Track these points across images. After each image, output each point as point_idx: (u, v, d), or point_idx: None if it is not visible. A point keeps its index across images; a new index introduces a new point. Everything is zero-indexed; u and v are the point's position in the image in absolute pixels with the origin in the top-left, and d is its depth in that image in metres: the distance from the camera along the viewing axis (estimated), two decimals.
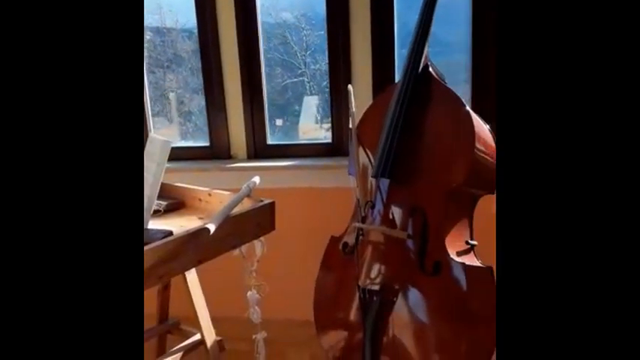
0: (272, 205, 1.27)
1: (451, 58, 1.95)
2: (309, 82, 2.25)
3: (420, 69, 1.43)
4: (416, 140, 1.39)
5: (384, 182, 1.43)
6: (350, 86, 1.58)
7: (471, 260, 1.34)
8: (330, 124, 2.09)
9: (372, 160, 1.48)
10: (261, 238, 1.32)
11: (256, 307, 1.37)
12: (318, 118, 2.33)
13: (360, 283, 1.40)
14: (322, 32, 2.02)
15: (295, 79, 2.24)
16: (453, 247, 1.33)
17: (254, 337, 1.41)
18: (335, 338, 1.49)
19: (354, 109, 1.55)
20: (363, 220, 1.43)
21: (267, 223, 1.26)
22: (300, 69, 2.21)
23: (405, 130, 1.39)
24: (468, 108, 1.34)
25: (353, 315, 1.43)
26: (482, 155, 1.33)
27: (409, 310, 1.34)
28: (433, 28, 1.45)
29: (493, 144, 1.37)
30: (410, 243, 1.35)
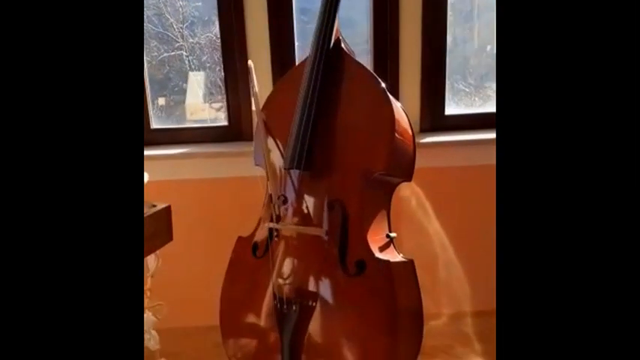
0: (167, 210, 1.04)
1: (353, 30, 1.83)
2: (187, 57, 2.01)
3: (331, 44, 1.27)
4: (331, 125, 1.24)
5: (297, 174, 1.26)
6: (251, 62, 1.37)
7: (393, 255, 1.24)
8: (221, 104, 1.86)
9: (282, 150, 1.30)
10: (157, 252, 1.08)
11: (152, 332, 1.13)
12: (207, 96, 2.10)
13: (275, 291, 1.23)
14: (199, 3, 1.79)
15: (173, 53, 1.99)
16: (375, 242, 1.22)
17: None
18: (245, 352, 1.31)
19: (256, 89, 1.34)
20: (277, 218, 1.25)
21: (162, 233, 1.02)
22: (178, 42, 1.97)
23: (318, 115, 1.23)
24: (383, 86, 1.22)
25: (267, 326, 1.26)
26: (401, 139, 1.22)
27: (331, 315, 1.20)
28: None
29: (409, 125, 1.27)
30: (329, 241, 1.21)
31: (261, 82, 1.45)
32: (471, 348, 1.77)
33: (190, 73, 2.29)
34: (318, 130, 1.23)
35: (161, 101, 2.07)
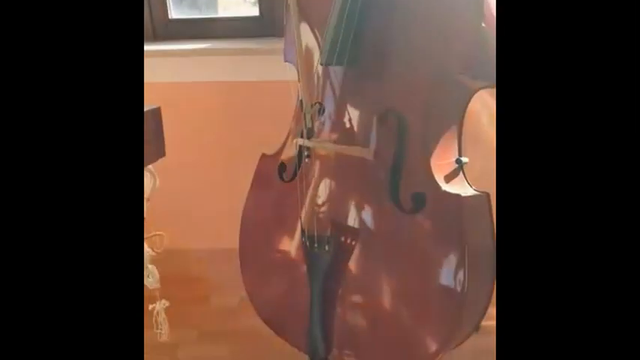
0: (155, 114, 0.75)
1: None
2: None
3: None
4: (390, 8, 0.89)
5: (340, 73, 0.93)
6: None
7: (463, 187, 0.93)
8: None
9: (320, 40, 0.96)
10: (150, 167, 0.82)
11: (150, 267, 0.91)
12: None
13: (304, 226, 0.96)
14: None
15: None
16: (440, 169, 0.91)
17: (150, 307, 0.97)
18: (267, 297, 1.08)
19: None
20: (309, 133, 0.95)
21: (149, 144, 0.75)
22: None
23: None
24: None
25: (295, 270, 1.01)
26: (489, 29, 0.86)
27: (377, 259, 0.93)
28: None
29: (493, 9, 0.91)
30: (378, 165, 0.90)
31: None
32: None
33: None
34: (372, 11, 0.88)
35: None
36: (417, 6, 0.88)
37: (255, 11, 1.52)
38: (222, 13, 1.74)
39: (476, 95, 1.02)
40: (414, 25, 0.89)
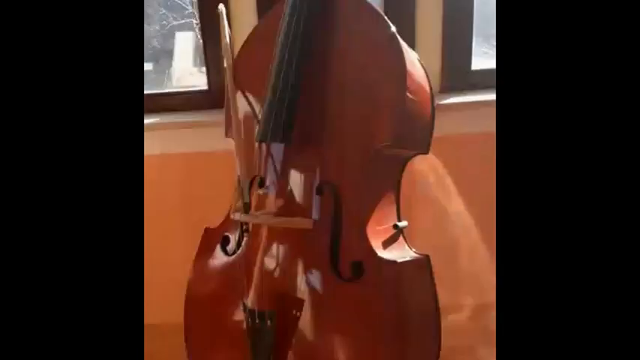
0: None
1: None
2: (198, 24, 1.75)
3: None
4: (321, 82, 0.94)
5: (278, 146, 0.96)
6: (221, 7, 1.06)
7: (402, 251, 0.95)
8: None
9: (258, 116, 1.00)
10: None
11: None
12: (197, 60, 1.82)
13: (245, 301, 0.95)
14: None
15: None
16: (378, 235, 0.93)
17: None
18: None
19: (228, 40, 1.05)
20: (246, 208, 0.96)
21: None
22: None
23: (304, 68, 0.93)
24: (393, 30, 0.90)
25: (239, 344, 0.98)
26: (415, 99, 0.92)
27: (320, 329, 0.93)
28: None
29: (427, 81, 0.97)
30: (317, 236, 0.92)
31: (243, 31, 1.14)
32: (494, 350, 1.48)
33: (177, 34, 2.00)
34: (304, 88, 0.93)
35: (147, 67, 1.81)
36: (346, 82, 0.94)
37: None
38: (175, 84, 1.80)
39: (421, 157, 1.06)
40: (344, 99, 0.93)
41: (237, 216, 0.96)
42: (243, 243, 1.00)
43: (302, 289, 0.93)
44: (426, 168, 1.50)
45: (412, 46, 1.38)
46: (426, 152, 1.00)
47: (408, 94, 0.90)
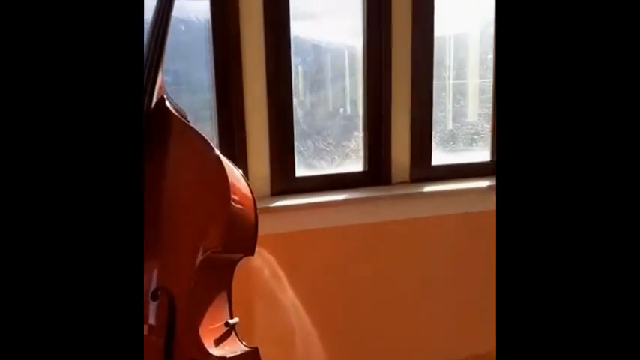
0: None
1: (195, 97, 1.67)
2: None
3: (153, 102, 1.09)
4: (153, 198, 1.05)
5: None
6: None
7: (233, 346, 1.06)
8: None
9: None
10: None
11: None
12: None
13: None
14: None
15: None
16: (210, 334, 1.03)
17: None
18: None
19: None
20: None
21: None
22: None
23: None
24: (217, 152, 1.07)
25: None
26: (240, 208, 1.08)
27: None
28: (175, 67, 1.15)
29: (249, 193, 1.14)
30: (154, 337, 0.98)
31: None
32: None
33: None
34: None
35: None
36: (177, 197, 1.06)
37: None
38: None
39: (256, 253, 1.18)
40: (176, 213, 1.05)
41: None
42: None
43: None
44: (260, 263, 1.65)
45: (245, 156, 1.60)
46: (252, 254, 1.14)
47: (233, 205, 1.05)
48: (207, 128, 1.60)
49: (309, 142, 1.77)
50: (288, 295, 1.69)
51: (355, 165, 1.81)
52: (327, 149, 1.79)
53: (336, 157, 1.81)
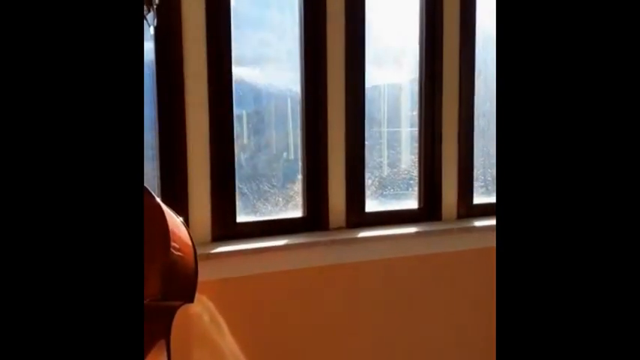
0: None
1: None
2: None
3: None
4: None
5: None
6: None
7: None
8: None
9: None
10: None
11: None
12: None
13: None
14: None
15: None
16: None
17: None
18: None
19: None
20: None
21: None
22: None
23: None
24: (158, 200, 1.08)
25: None
26: (180, 256, 1.08)
27: None
28: None
29: (189, 240, 1.15)
30: None
31: None
32: None
33: None
34: None
35: None
36: None
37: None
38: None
39: (196, 300, 1.17)
40: None
41: None
42: None
43: None
44: (200, 310, 1.62)
45: (186, 200, 1.59)
46: (191, 302, 1.14)
47: (173, 253, 1.05)
48: (150, 166, 1.59)
49: (254, 185, 1.80)
50: (228, 342, 1.66)
51: (296, 210, 1.85)
52: (272, 191, 1.83)
53: (280, 199, 1.84)
